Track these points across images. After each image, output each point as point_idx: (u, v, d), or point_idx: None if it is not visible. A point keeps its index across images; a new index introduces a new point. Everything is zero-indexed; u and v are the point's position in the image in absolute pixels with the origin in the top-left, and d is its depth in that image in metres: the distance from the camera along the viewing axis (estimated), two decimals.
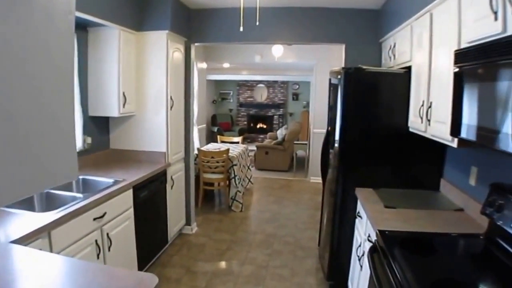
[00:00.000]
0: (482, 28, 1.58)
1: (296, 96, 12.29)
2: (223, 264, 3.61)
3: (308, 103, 11.56)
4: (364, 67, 2.88)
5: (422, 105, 2.38)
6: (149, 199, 3.20)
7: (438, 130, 2.12)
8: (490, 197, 1.90)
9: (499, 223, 1.75)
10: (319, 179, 6.67)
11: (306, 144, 8.12)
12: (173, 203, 3.76)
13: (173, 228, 3.83)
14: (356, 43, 3.75)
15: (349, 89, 2.82)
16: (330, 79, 3.48)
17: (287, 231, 4.52)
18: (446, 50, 2.00)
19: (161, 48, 3.48)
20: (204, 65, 7.29)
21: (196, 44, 4.03)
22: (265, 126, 12.51)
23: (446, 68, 1.99)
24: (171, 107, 3.64)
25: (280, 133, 9.00)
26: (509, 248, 1.69)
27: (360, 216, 2.71)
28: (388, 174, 2.90)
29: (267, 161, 7.82)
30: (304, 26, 3.81)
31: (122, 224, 2.71)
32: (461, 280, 1.57)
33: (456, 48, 1.85)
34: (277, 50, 6.27)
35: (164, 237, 3.64)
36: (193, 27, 3.95)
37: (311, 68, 7.97)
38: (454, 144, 1.93)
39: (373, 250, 2.01)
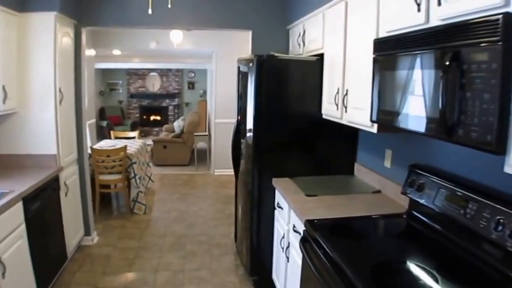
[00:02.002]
0: (404, 19, 1.63)
1: (192, 85, 11.89)
2: (134, 275, 3.26)
3: (205, 92, 11.33)
4: (277, 54, 2.84)
5: (338, 93, 2.42)
6: (42, 210, 2.71)
7: (356, 116, 2.17)
8: (409, 178, 2.02)
9: (422, 201, 1.87)
10: (224, 171, 6.65)
11: (207, 135, 7.94)
12: (69, 212, 3.26)
13: (71, 241, 3.33)
14: (263, 29, 3.69)
15: (261, 77, 2.76)
16: (238, 67, 3.38)
17: (198, 229, 4.32)
18: (363, 39, 2.03)
19: (48, 33, 2.95)
20: (92, 52, 6.49)
21: (87, 28, 3.52)
22: (159, 118, 11.86)
23: (363, 57, 2.02)
24: (61, 101, 3.13)
25: (177, 125, 8.66)
26: (432, 223, 1.83)
27: (280, 207, 2.69)
28: (303, 162, 2.93)
29: (165, 155, 7.44)
30: (210, 11, 3.61)
31: (14, 244, 2.28)
32: (398, 259, 1.64)
33: (374, 37, 1.88)
34: (176, 36, 5.89)
35: (63, 253, 3.15)
36: (85, 8, 3.41)
37: (209, 55, 7.76)
38: (374, 129, 2.00)
39: (304, 241, 1.99)
